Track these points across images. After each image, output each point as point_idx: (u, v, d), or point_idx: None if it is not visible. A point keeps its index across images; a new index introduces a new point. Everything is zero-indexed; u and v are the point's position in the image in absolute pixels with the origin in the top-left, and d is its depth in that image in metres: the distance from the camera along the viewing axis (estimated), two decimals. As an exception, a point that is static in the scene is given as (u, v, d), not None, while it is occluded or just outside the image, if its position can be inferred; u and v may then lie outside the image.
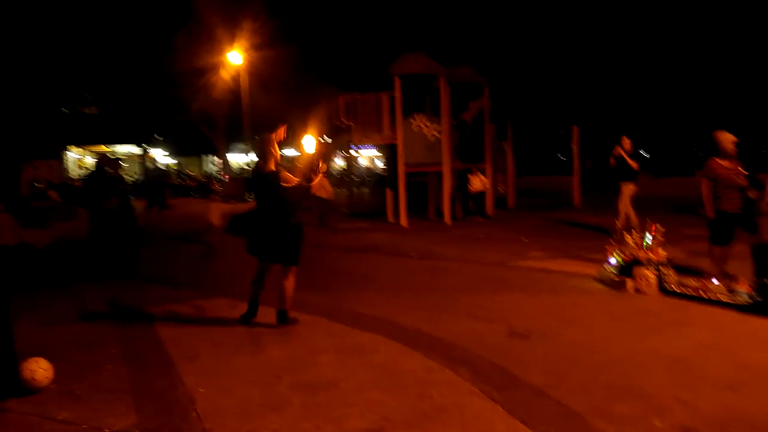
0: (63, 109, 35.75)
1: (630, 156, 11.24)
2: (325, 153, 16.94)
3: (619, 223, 10.88)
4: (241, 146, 34.56)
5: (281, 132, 5.98)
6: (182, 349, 5.24)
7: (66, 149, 35.24)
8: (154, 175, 16.12)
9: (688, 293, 6.50)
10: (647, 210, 15.17)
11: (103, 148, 40.05)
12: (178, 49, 26.40)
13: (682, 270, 7.77)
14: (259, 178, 5.87)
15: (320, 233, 12.67)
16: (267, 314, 5.82)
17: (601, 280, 7.28)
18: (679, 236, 10.77)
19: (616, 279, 7.01)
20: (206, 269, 9.20)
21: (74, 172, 34.88)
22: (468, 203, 15.31)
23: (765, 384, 4.09)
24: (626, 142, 11.28)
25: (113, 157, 11.14)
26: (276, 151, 5.87)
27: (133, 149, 38.06)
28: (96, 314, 6.50)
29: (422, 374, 4.46)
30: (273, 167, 5.86)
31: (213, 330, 5.80)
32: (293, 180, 5.92)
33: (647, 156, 30.55)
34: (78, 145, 36.65)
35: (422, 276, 8.26)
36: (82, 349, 5.29)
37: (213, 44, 25.92)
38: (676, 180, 19.39)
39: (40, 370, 4.32)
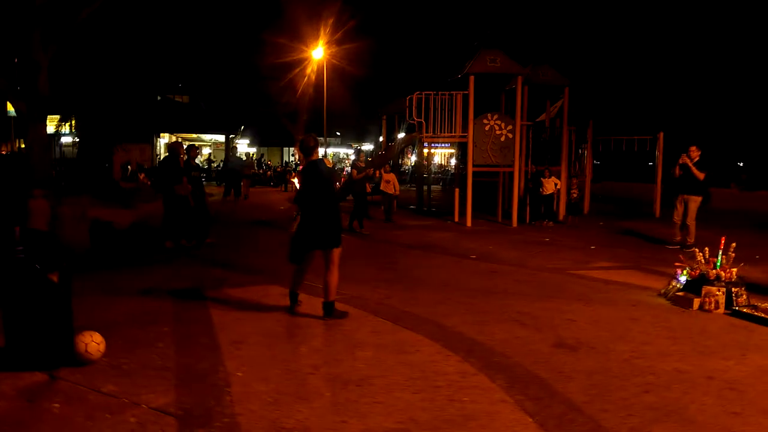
0: (157, 96, 37.79)
1: (697, 166, 10.50)
2: (393, 149, 17.02)
3: (690, 239, 10.25)
4: (320, 139, 35.33)
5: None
6: (230, 333, 5.41)
7: (158, 135, 37.12)
8: (234, 164, 16.67)
9: (760, 316, 6.05)
10: (730, 225, 14.31)
11: (192, 135, 42.12)
12: (267, 44, 27.28)
13: (759, 290, 7.30)
14: (308, 169, 5.98)
15: (383, 229, 12.74)
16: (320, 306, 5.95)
17: (666, 296, 6.90)
18: (762, 254, 10.10)
19: (681, 295, 6.62)
20: (269, 257, 9.46)
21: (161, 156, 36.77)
22: (539, 207, 14.92)
23: (828, 421, 3.75)
24: (693, 151, 10.59)
25: (189, 144, 11.63)
26: (317, 150, 6.05)
27: (220, 137, 39.72)
28: (156, 294, 6.82)
29: (456, 378, 4.40)
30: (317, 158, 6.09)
31: (262, 317, 5.97)
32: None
33: (741, 165, 28.64)
34: (170, 131, 38.60)
35: (477, 278, 8.14)
36: (138, 327, 5.57)
37: (298, 40, 26.60)
38: (765, 194, 18.05)
39: (92, 343, 4.58)
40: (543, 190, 14.67)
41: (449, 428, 3.61)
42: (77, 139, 29.70)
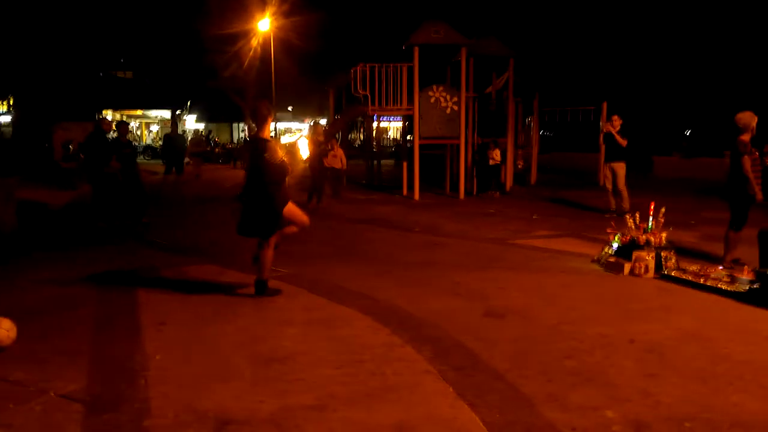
0: (99, 72, 36.34)
1: (620, 134, 10.79)
2: (338, 123, 16.79)
3: (625, 205, 10.48)
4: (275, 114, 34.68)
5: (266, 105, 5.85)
6: (155, 314, 5.23)
7: (101, 112, 35.81)
8: (175, 141, 16.18)
9: (687, 279, 6.20)
10: (670, 192, 14.70)
11: (137, 112, 40.77)
12: (211, 15, 26.44)
13: (690, 254, 7.51)
14: (249, 145, 5.76)
15: (330, 204, 12.59)
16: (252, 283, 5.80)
17: (599, 262, 7.02)
18: (698, 219, 10.39)
19: (613, 261, 6.74)
20: (207, 235, 9.23)
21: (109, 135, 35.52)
22: (486, 179, 14.98)
23: (738, 378, 3.84)
24: (616, 120, 10.88)
25: (119, 121, 11.17)
26: (269, 119, 5.74)
27: (166, 114, 38.56)
28: (82, 277, 6.54)
29: (382, 351, 4.35)
30: (266, 135, 5.76)
31: (191, 297, 5.79)
32: (278, 155, 5.63)
33: (687, 134, 29.33)
34: (113, 108, 37.25)
35: (418, 251, 8.11)
36: (59, 311, 5.33)
37: (244, 11, 25.85)
38: (707, 161, 18.61)
39: (1, 330, 4.35)
40: (490, 161, 14.73)
41: (368, 401, 3.56)
42: (8, 118, 28.45)
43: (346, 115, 17.32)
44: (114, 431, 3.26)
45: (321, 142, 12.78)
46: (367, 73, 13.56)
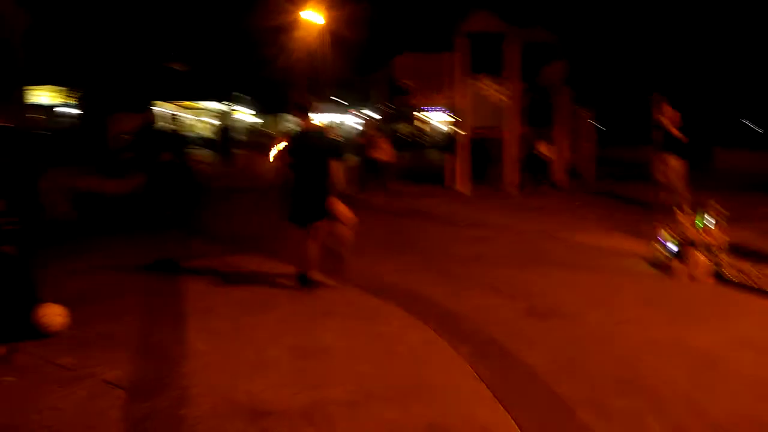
0: (154, 65, 37.34)
1: (675, 126, 10.23)
2: (385, 115, 16.72)
3: (684, 202, 10.01)
4: (320, 106, 34.91)
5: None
6: (199, 303, 5.34)
7: (155, 104, 36.79)
8: (224, 131, 16.51)
9: (747, 283, 5.89)
10: (730, 185, 14.05)
11: (191, 103, 41.75)
12: (262, 7, 26.76)
13: (751, 255, 7.13)
14: (304, 136, 5.75)
15: (375, 196, 12.56)
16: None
17: (652, 262, 6.75)
18: (761, 216, 9.88)
19: (667, 262, 6.46)
20: (253, 225, 9.36)
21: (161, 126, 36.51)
22: (535, 171, 14.66)
23: (796, 390, 3.62)
24: (668, 111, 10.29)
25: (172, 114, 11.42)
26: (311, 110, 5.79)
27: (219, 106, 39.36)
28: (133, 264, 6.72)
29: (420, 348, 4.30)
30: (315, 126, 5.86)
31: (236, 286, 5.88)
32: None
33: (746, 123, 27.90)
34: (168, 100, 38.25)
35: (462, 245, 8.00)
36: (109, 297, 5.51)
37: (292, 2, 26.04)
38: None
39: (54, 315, 4.51)
40: (540, 154, 14.42)
41: (402, 399, 3.52)
42: (77, 111, 29.57)
43: (393, 106, 17.25)
44: (152, 418, 3.33)
45: (370, 134, 12.77)
46: (412, 63, 13.43)
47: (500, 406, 3.44)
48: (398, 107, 17.33)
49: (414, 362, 4.04)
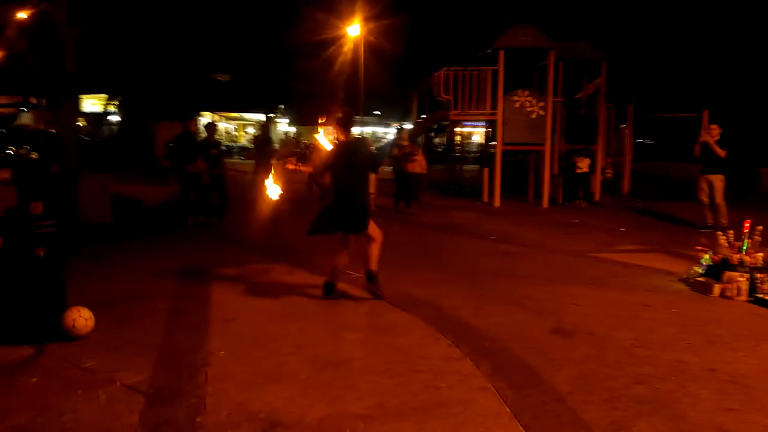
0: (199, 75, 38.26)
1: (719, 144, 9.92)
2: (419, 127, 16.72)
3: (723, 220, 9.69)
4: (357, 118, 35.19)
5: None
6: (224, 311, 5.39)
7: (199, 113, 37.68)
8: (263, 142, 16.71)
9: (786, 305, 5.65)
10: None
11: (234, 114, 42.62)
12: (304, 21, 27.21)
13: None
14: (345, 147, 5.69)
15: (408, 209, 12.53)
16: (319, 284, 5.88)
17: (687, 282, 6.53)
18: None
19: (702, 281, 6.25)
20: (282, 235, 9.44)
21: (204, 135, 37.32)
22: (572, 187, 14.40)
23: (834, 422, 3.43)
24: (714, 129, 10.02)
25: (209, 122, 11.64)
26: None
27: (262, 117, 40.05)
28: (162, 270, 6.85)
29: (439, 363, 4.24)
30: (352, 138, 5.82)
31: (260, 295, 5.92)
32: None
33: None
34: (211, 110, 39.09)
35: (490, 260, 7.89)
36: (136, 302, 5.61)
37: (335, 16, 26.39)
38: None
39: (80, 318, 4.61)
40: (577, 169, 14.17)
41: (418, 415, 3.47)
42: (118, 118, 30.48)
43: (427, 119, 17.22)
44: (168, 424, 3.36)
45: (404, 147, 12.73)
46: (451, 77, 13.42)
47: (519, 425, 3.36)
48: (436, 120, 17.25)
49: (433, 377, 3.97)
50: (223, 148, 36.54)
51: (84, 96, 35.94)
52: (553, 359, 4.33)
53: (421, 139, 18.41)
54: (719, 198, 10.03)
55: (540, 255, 8.25)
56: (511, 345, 4.60)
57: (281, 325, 5.06)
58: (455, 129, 17.92)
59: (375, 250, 5.70)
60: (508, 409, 3.55)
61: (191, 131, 9.73)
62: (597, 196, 14.85)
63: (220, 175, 10.23)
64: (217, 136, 11.86)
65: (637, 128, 18.36)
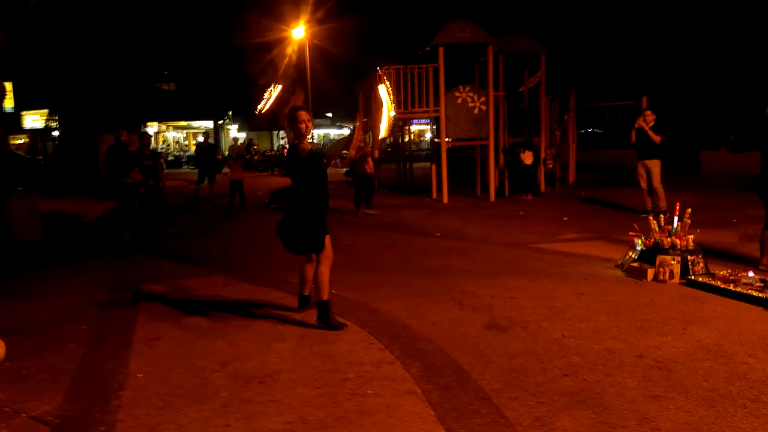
0: (144, 85, 37.34)
1: (654, 130, 10.18)
2: (363, 127, 16.60)
3: (661, 204, 9.91)
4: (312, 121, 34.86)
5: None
6: (151, 330, 5.16)
7: (145, 124, 36.78)
8: (205, 150, 16.38)
9: (715, 285, 5.73)
10: (716, 188, 13.93)
11: (181, 123, 41.76)
12: (248, 25, 26.80)
13: (726, 256, 7.01)
14: (297, 157, 5.00)
15: (354, 209, 12.42)
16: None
17: (622, 268, 6.60)
18: (741, 217, 9.75)
19: (636, 266, 6.31)
20: (226, 246, 9.21)
21: (153, 146, 36.45)
22: (517, 180, 14.52)
23: (752, 400, 3.45)
24: (648, 115, 10.26)
25: (142, 132, 11.30)
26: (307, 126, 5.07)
27: (209, 124, 39.33)
28: (92, 289, 6.56)
29: (369, 369, 4.12)
30: (306, 143, 5.06)
31: (190, 311, 5.68)
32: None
33: (734, 128, 27.77)
34: (158, 120, 38.22)
35: (432, 257, 7.84)
36: (57, 326, 5.33)
37: (278, 20, 26.09)
38: (758, 155, 17.53)
39: (-11, 348, 4.34)
40: (521, 162, 14.30)
41: (340, 427, 3.34)
42: (57, 133, 29.43)
43: (370, 119, 17.12)
44: (71, 458, 3.15)
45: (362, 147, 12.55)
46: (392, 75, 13.35)
47: (442, 428, 3.27)
48: (378, 120, 17.15)
49: (361, 384, 3.86)
50: (171, 158, 35.81)
51: (24, 112, 34.70)
52: (484, 356, 4.27)
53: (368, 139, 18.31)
54: (657, 182, 10.24)
55: (482, 249, 8.24)
56: (444, 344, 4.52)
57: (208, 341, 4.86)
58: (404, 127, 17.85)
59: (323, 271, 5.06)
60: (432, 413, 3.46)
61: (123, 142, 9.38)
62: (542, 187, 15.03)
63: (157, 186, 9.90)
64: (153, 146, 11.50)
65: (585, 118, 18.66)
